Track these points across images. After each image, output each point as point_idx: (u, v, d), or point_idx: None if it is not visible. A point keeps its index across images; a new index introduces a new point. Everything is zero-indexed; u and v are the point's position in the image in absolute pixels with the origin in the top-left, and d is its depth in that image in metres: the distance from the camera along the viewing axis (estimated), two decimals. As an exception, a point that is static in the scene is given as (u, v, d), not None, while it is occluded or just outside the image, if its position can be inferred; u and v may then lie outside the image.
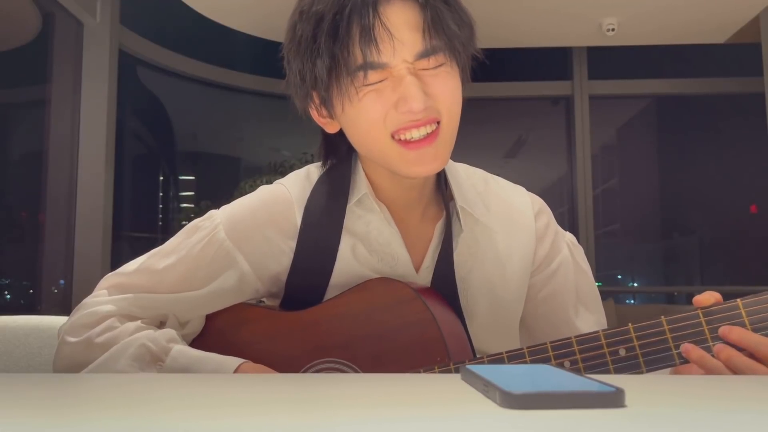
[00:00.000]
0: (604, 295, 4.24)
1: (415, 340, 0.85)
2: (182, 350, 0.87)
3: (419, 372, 0.83)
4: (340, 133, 0.93)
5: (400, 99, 0.81)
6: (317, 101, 0.89)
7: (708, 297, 0.79)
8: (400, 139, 0.83)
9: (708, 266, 5.60)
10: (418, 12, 0.82)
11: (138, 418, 0.44)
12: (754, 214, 5.23)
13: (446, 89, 0.84)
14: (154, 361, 0.86)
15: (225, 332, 0.95)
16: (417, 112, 0.81)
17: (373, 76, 0.81)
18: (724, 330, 0.76)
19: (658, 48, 4.73)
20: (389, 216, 0.93)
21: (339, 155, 0.97)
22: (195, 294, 0.92)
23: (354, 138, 0.89)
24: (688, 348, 0.76)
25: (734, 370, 0.74)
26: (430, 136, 0.83)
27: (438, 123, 0.84)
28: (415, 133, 0.83)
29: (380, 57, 0.80)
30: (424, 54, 0.82)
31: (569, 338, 0.80)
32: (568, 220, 4.99)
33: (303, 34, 0.84)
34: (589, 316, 0.99)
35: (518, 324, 0.99)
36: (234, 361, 0.86)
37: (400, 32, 0.81)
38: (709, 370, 0.75)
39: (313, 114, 0.92)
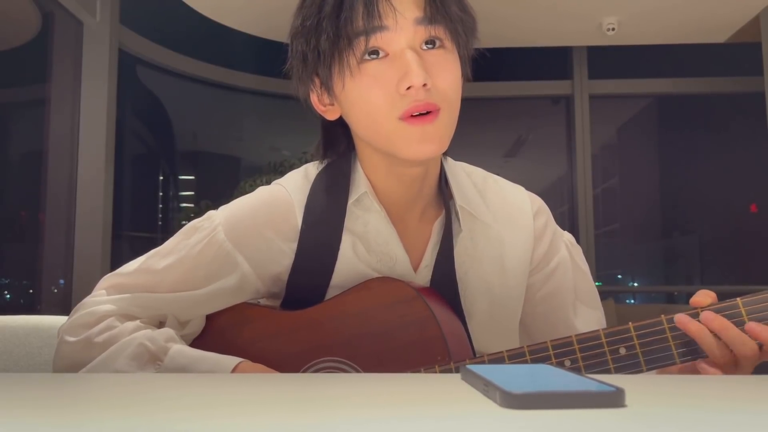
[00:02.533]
0: (604, 294, 4.24)
1: (415, 339, 0.85)
2: (181, 350, 0.87)
3: (420, 371, 0.83)
4: (341, 125, 0.93)
5: (401, 78, 0.82)
6: (318, 85, 0.89)
7: (704, 297, 0.79)
8: (405, 117, 0.83)
9: (708, 266, 5.60)
10: None
11: (138, 418, 0.44)
12: (754, 213, 5.24)
13: (446, 74, 0.84)
14: (152, 361, 0.86)
15: (226, 331, 0.95)
16: (417, 89, 0.81)
17: (373, 41, 0.83)
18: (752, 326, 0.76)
19: (659, 47, 4.74)
20: (387, 216, 0.93)
21: (338, 150, 0.97)
22: (195, 294, 0.92)
23: (355, 120, 0.89)
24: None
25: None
26: (431, 114, 0.83)
27: (437, 110, 0.84)
28: (416, 113, 0.83)
29: (380, 22, 0.82)
30: (423, 21, 0.83)
31: (569, 337, 0.80)
32: (568, 219, 4.99)
33: (308, 15, 0.86)
34: (587, 316, 0.99)
35: (517, 323, 0.99)
36: (232, 360, 0.86)
37: (403, 5, 0.83)
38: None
39: (314, 100, 0.92)
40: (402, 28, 0.83)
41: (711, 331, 0.76)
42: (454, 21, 0.85)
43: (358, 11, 0.82)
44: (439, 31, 0.84)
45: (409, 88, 0.81)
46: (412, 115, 0.83)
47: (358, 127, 0.89)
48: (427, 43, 0.84)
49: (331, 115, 0.92)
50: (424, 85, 0.81)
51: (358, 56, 0.83)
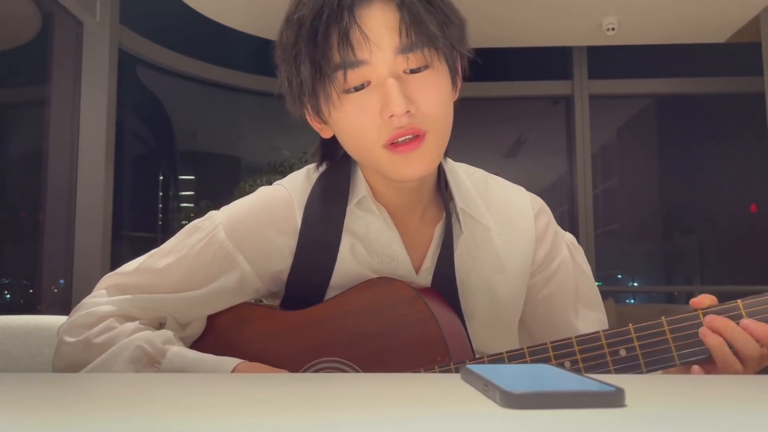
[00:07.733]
0: (604, 295, 4.23)
1: (415, 339, 0.85)
2: (178, 352, 0.87)
3: (420, 371, 0.83)
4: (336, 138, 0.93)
5: (383, 106, 0.81)
6: (309, 108, 0.89)
7: (703, 299, 0.79)
8: (390, 145, 0.83)
9: (708, 266, 5.60)
10: (396, 13, 0.82)
11: (138, 418, 0.44)
12: (754, 214, 5.24)
13: (430, 96, 0.83)
14: (150, 363, 0.86)
15: (226, 331, 0.95)
16: (400, 117, 0.80)
17: (352, 77, 0.81)
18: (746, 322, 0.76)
19: (659, 47, 4.74)
20: (389, 218, 0.93)
21: (335, 158, 0.97)
22: (194, 294, 0.92)
23: (345, 144, 0.90)
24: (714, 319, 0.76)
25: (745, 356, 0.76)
26: (415, 140, 0.82)
27: (423, 135, 0.83)
28: (400, 139, 0.82)
29: (356, 57, 0.81)
30: (403, 50, 0.81)
31: (569, 338, 0.80)
32: (567, 219, 4.99)
33: (287, 41, 0.85)
34: (589, 317, 0.99)
35: (517, 324, 0.99)
36: (231, 361, 0.86)
37: (378, 34, 0.81)
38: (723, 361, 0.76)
39: (309, 119, 0.92)
40: (380, 60, 0.81)
41: (714, 331, 0.76)
42: (435, 39, 0.82)
43: (333, 43, 0.81)
44: (420, 57, 0.82)
45: (391, 116, 0.81)
46: (397, 142, 0.82)
47: (348, 149, 0.90)
48: (411, 68, 0.83)
49: (326, 134, 0.92)
50: (408, 111, 0.81)
51: (339, 90, 0.82)
